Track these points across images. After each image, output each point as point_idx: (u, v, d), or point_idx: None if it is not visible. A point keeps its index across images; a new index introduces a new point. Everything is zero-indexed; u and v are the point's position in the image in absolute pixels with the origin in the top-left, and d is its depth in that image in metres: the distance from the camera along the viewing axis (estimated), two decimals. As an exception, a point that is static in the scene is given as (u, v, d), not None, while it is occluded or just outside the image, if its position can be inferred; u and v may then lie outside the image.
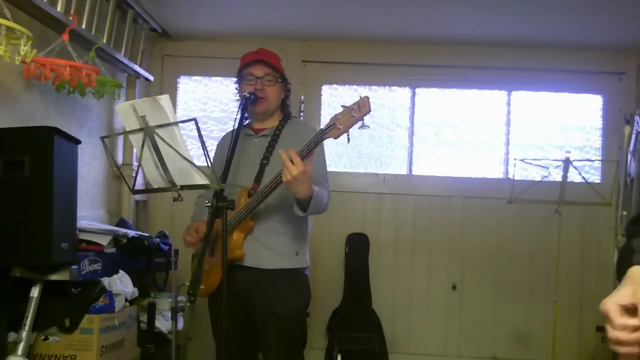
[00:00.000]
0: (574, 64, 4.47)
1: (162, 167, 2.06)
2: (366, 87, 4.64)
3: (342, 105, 2.14)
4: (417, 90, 4.62)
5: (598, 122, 4.55)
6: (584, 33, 4.10)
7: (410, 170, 4.60)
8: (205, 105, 4.65)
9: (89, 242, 2.84)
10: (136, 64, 3.93)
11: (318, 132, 2.19)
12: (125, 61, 3.72)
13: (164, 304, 3.35)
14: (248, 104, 2.42)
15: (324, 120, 4.42)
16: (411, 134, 4.60)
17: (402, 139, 4.62)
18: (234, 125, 2.37)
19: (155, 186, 2.16)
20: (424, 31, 4.25)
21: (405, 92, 4.64)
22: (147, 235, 3.34)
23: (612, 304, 0.98)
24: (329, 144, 2.36)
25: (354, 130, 2.14)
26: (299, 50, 4.51)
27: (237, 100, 2.57)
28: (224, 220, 2.10)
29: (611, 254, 4.24)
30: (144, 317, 3.23)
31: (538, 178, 3.97)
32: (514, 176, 3.99)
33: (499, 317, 4.45)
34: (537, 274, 4.40)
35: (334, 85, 4.66)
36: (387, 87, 4.65)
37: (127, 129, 2.09)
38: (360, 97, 2.11)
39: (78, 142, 2.64)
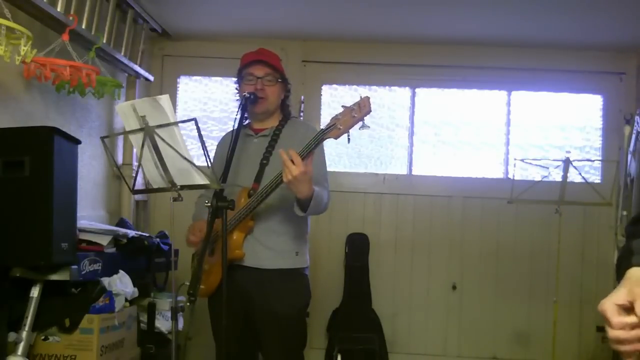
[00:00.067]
0: (574, 64, 4.47)
1: (162, 167, 2.07)
2: (366, 87, 4.64)
3: (342, 106, 2.15)
4: (417, 90, 4.62)
5: (598, 122, 4.55)
6: (584, 33, 4.10)
7: (410, 170, 4.60)
8: (205, 105, 4.65)
9: (89, 242, 2.84)
10: (136, 64, 3.93)
11: (318, 132, 2.19)
12: (125, 61, 3.72)
13: (164, 304, 3.35)
14: (248, 104, 2.42)
15: (324, 120, 4.43)
16: (411, 134, 4.60)
17: (402, 139, 4.62)
18: (234, 125, 2.37)
19: (155, 186, 2.16)
20: (424, 31, 4.25)
21: (405, 92, 4.64)
22: (147, 235, 3.33)
23: (609, 304, 0.99)
24: (329, 144, 2.36)
25: (354, 131, 2.14)
26: (299, 50, 4.51)
27: (237, 100, 2.57)
28: (223, 220, 2.10)
29: (611, 254, 4.24)
30: (144, 317, 3.23)
31: (538, 178, 3.97)
32: (514, 176, 3.99)
33: (499, 317, 4.45)
34: (537, 274, 4.40)
35: (334, 85, 4.65)
36: (387, 87, 4.65)
37: (127, 129, 2.09)
38: (361, 97, 2.11)
39: (78, 142, 2.64)
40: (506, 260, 4.46)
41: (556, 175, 3.85)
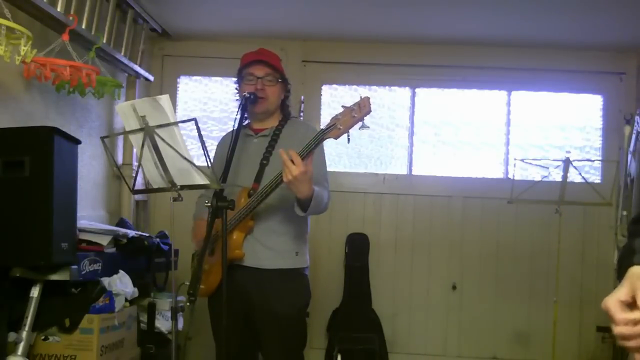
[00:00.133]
0: (574, 64, 4.47)
1: (162, 167, 2.07)
2: (366, 87, 4.64)
3: (342, 106, 2.14)
4: (417, 90, 4.62)
5: (598, 122, 4.55)
6: (584, 33, 4.10)
7: (410, 170, 4.60)
8: (205, 105, 4.65)
9: (89, 242, 2.84)
10: (136, 64, 3.93)
11: (319, 132, 2.19)
12: (125, 61, 3.72)
13: (164, 304, 3.35)
14: (248, 104, 2.42)
15: (324, 120, 4.43)
16: (411, 134, 4.60)
17: (402, 139, 4.62)
18: (234, 125, 2.37)
19: (155, 186, 2.16)
20: (424, 31, 4.25)
21: (405, 92, 4.64)
22: (147, 235, 3.33)
23: (612, 301, 1.00)
24: (329, 144, 2.36)
25: (354, 131, 2.14)
26: (299, 50, 4.51)
27: (237, 100, 2.57)
28: (223, 220, 2.10)
29: (611, 254, 4.24)
30: (144, 317, 3.23)
31: (538, 178, 3.97)
32: (514, 176, 3.98)
33: (499, 317, 4.45)
34: (537, 274, 4.40)
35: (334, 85, 4.65)
36: (387, 87, 4.65)
37: (127, 129, 2.09)
38: (361, 97, 2.11)
39: (78, 142, 2.64)
40: (506, 260, 4.46)
41: (556, 175, 3.85)
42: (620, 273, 1.07)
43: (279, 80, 2.53)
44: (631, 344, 0.98)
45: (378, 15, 3.91)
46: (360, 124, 2.11)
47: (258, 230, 2.43)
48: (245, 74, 2.51)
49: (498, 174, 4.56)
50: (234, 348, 2.41)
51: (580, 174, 3.78)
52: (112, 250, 2.97)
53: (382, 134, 4.62)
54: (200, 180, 2.05)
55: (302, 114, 4.46)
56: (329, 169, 2.56)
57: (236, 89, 2.61)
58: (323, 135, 2.17)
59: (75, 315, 2.71)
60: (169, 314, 3.34)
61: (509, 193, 3.80)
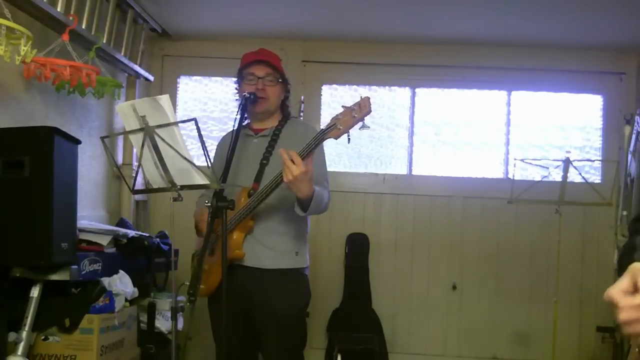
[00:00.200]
0: (574, 64, 4.47)
1: (162, 167, 2.07)
2: (366, 87, 4.64)
3: (342, 106, 2.14)
4: (417, 90, 4.62)
5: (598, 122, 4.55)
6: (584, 33, 4.10)
7: (410, 170, 4.60)
8: (205, 105, 4.65)
9: (89, 242, 2.84)
10: (136, 64, 3.93)
11: (319, 132, 2.19)
12: (125, 61, 3.72)
13: (164, 304, 3.35)
14: (248, 104, 2.42)
15: (324, 120, 4.43)
16: (411, 134, 4.60)
17: (402, 139, 4.62)
18: (234, 125, 2.37)
19: (155, 186, 2.16)
20: (424, 31, 4.25)
21: (405, 92, 4.64)
22: (147, 235, 3.33)
23: (615, 291, 1.01)
24: (329, 144, 2.36)
25: (354, 131, 2.14)
26: (299, 50, 4.51)
27: (237, 100, 2.57)
28: (223, 220, 2.10)
29: (611, 254, 4.24)
30: (144, 317, 3.23)
31: (538, 178, 3.97)
32: (514, 176, 3.98)
33: (499, 317, 4.45)
34: (537, 274, 4.40)
35: (334, 85, 4.65)
36: (387, 87, 4.65)
37: (127, 129, 2.09)
38: (361, 97, 2.11)
39: (78, 142, 2.64)
40: (506, 260, 4.46)
41: (556, 175, 3.84)
42: (621, 271, 1.07)
43: (280, 80, 2.53)
44: (637, 329, 0.99)
45: (378, 15, 3.91)
46: (360, 124, 2.11)
47: (258, 230, 2.43)
48: (245, 73, 2.51)
49: (498, 174, 4.56)
50: (234, 348, 2.41)
51: (580, 174, 3.78)
52: (112, 250, 2.98)
53: (382, 134, 4.62)
54: (200, 180, 2.05)
55: (302, 114, 4.46)
56: (329, 169, 2.56)
57: (236, 89, 2.61)
58: (323, 135, 2.17)
59: (75, 315, 2.71)
60: (169, 314, 3.34)
61: (509, 193, 3.79)
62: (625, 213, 3.97)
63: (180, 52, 4.59)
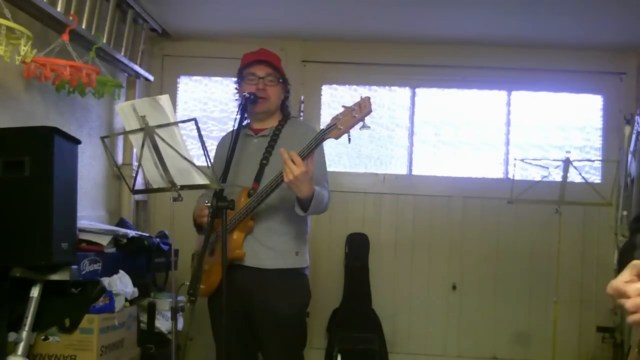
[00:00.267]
0: (574, 64, 4.47)
1: (162, 167, 2.07)
2: (366, 87, 4.63)
3: (343, 106, 2.14)
4: (417, 90, 4.62)
5: (598, 122, 4.55)
6: (584, 33, 4.10)
7: (410, 170, 4.60)
8: (205, 105, 4.65)
9: (89, 242, 2.85)
10: (136, 64, 3.93)
11: (319, 132, 2.19)
12: (125, 61, 3.72)
13: (164, 304, 3.35)
14: (248, 104, 2.42)
15: (324, 120, 4.43)
16: (411, 134, 4.60)
17: (402, 139, 4.62)
18: (234, 125, 2.37)
19: (155, 186, 2.16)
20: (424, 31, 4.25)
21: (405, 92, 4.64)
22: (147, 235, 3.34)
23: (618, 281, 1.01)
24: (329, 144, 2.35)
25: (354, 131, 2.14)
26: (298, 50, 4.51)
27: (237, 100, 2.57)
28: (223, 220, 2.10)
29: (611, 254, 4.24)
30: (144, 317, 3.23)
31: (538, 178, 3.97)
32: (514, 176, 3.98)
33: (499, 317, 4.45)
34: (537, 274, 4.40)
35: (334, 85, 4.65)
36: (387, 87, 4.65)
37: (127, 129, 2.09)
38: (361, 97, 2.11)
39: (78, 142, 2.64)
40: (506, 260, 4.46)
41: (556, 175, 3.85)
42: (621, 269, 1.07)
43: (280, 80, 2.53)
44: None
45: (378, 15, 3.91)
46: (360, 124, 2.11)
47: (258, 230, 2.43)
48: (246, 73, 2.51)
49: (498, 174, 4.56)
50: (234, 348, 2.41)
51: (580, 174, 3.78)
52: (112, 250, 2.98)
53: (382, 134, 4.62)
54: (200, 180, 2.05)
55: (302, 114, 4.46)
56: (329, 169, 2.56)
57: (236, 89, 2.61)
58: (324, 135, 2.17)
59: (75, 315, 2.71)
60: (169, 314, 3.34)
61: (509, 193, 3.79)
62: (625, 213, 3.97)
63: (180, 52, 4.59)
